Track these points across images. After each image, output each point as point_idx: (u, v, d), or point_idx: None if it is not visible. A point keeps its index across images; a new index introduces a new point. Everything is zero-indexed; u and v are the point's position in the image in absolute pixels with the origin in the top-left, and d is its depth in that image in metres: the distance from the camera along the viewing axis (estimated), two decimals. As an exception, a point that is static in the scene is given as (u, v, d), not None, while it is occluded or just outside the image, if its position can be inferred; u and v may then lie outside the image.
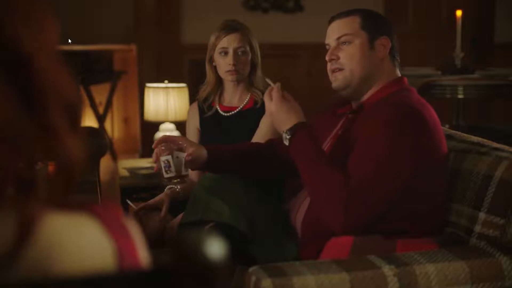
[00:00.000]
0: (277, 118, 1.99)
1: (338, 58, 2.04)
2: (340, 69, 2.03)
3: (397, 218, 1.88)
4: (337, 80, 2.04)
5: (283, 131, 1.97)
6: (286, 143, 1.97)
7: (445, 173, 1.95)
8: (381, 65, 2.04)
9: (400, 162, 1.85)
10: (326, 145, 2.11)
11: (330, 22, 2.10)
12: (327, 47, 2.09)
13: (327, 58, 2.07)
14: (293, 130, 1.95)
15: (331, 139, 2.12)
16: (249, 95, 2.55)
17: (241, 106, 2.55)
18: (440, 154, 1.93)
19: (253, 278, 1.60)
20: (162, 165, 2.11)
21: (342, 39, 2.03)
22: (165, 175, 2.12)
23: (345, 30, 2.03)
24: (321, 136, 2.12)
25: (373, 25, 2.04)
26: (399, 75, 2.08)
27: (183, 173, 2.12)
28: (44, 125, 0.71)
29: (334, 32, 2.06)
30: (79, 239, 0.71)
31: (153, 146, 2.15)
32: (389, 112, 1.89)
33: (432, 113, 1.94)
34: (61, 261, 0.69)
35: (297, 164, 1.95)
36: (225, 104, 2.58)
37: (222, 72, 2.51)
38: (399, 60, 2.09)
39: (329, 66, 2.07)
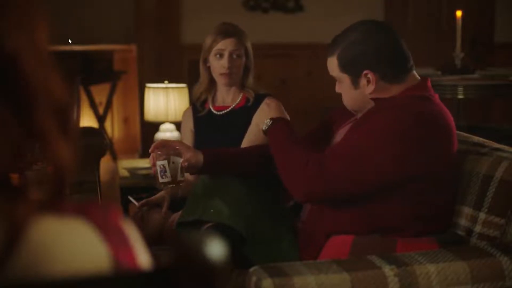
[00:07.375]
0: None
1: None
2: None
3: (400, 218, 1.88)
4: None
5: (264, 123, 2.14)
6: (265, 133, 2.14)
7: (453, 176, 1.95)
8: (373, 95, 1.99)
9: (384, 159, 1.84)
10: (336, 136, 2.13)
11: None
12: None
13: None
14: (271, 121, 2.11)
15: (341, 129, 2.13)
16: (241, 95, 2.57)
17: (233, 105, 2.57)
18: (447, 156, 1.91)
19: (254, 278, 1.60)
20: (158, 169, 2.11)
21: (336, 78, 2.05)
22: (160, 180, 2.12)
23: (331, 72, 2.04)
24: (337, 127, 2.17)
25: (351, 64, 1.96)
26: (410, 84, 1.97)
27: (179, 178, 2.13)
28: (31, 128, 0.68)
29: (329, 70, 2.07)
30: (71, 243, 0.69)
31: (150, 150, 2.15)
32: (389, 115, 1.89)
33: (446, 116, 1.92)
34: (52, 266, 0.67)
35: (271, 148, 2.09)
36: (218, 104, 2.60)
37: (216, 74, 2.53)
38: (408, 66, 1.97)
39: None
